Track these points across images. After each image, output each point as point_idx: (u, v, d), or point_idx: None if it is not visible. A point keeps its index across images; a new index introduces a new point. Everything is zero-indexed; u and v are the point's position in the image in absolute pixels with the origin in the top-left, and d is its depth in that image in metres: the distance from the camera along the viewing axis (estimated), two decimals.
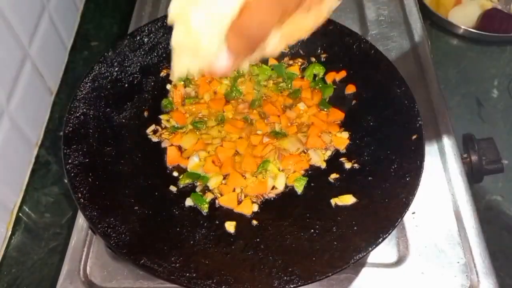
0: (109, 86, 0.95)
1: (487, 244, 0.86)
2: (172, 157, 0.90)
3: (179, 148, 0.92)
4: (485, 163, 0.98)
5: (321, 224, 0.81)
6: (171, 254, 0.75)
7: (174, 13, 0.58)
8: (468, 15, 1.37)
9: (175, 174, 0.89)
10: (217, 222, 0.82)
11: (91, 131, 0.89)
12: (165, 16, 1.04)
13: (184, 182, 0.87)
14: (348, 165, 0.89)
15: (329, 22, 1.04)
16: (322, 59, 1.03)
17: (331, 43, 1.04)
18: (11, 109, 0.98)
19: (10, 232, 0.98)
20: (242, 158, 0.89)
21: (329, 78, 1.02)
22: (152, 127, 0.95)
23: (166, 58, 1.03)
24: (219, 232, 0.81)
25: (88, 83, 0.93)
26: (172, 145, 0.92)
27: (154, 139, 0.93)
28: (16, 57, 1.01)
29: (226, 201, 0.85)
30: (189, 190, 0.87)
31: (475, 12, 1.37)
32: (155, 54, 1.03)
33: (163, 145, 0.92)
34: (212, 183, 0.87)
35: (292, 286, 0.71)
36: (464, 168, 0.96)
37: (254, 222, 0.83)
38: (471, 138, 1.02)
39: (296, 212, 0.84)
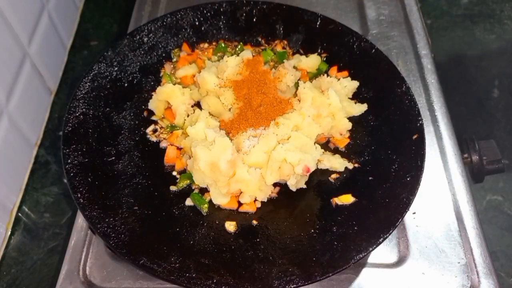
0: (108, 86, 0.95)
1: (488, 244, 0.86)
2: (169, 157, 0.90)
3: (179, 148, 0.91)
4: (485, 163, 0.98)
5: (321, 224, 0.81)
6: (170, 254, 0.75)
7: None
8: None
9: (175, 173, 0.89)
10: (217, 222, 0.82)
11: (90, 130, 0.88)
12: (165, 16, 1.04)
13: (182, 184, 0.87)
14: (348, 165, 0.89)
15: (330, 21, 1.04)
16: (323, 59, 1.03)
17: (331, 43, 1.03)
18: (11, 108, 0.98)
19: (9, 232, 0.98)
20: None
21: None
22: (152, 126, 0.94)
23: (166, 57, 1.03)
24: (219, 232, 0.81)
25: (88, 83, 0.93)
26: (172, 144, 0.92)
27: (153, 138, 0.93)
28: (16, 57, 1.01)
29: (227, 204, 0.85)
30: (189, 190, 0.87)
31: None
32: (155, 53, 1.02)
33: (162, 145, 0.92)
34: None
35: (292, 286, 0.71)
36: (465, 168, 0.96)
37: (254, 222, 0.82)
38: (471, 138, 1.01)
39: (296, 212, 0.83)
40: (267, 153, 0.84)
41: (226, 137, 0.84)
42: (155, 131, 0.94)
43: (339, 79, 0.97)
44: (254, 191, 0.83)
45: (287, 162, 0.82)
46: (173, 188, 0.86)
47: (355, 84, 0.97)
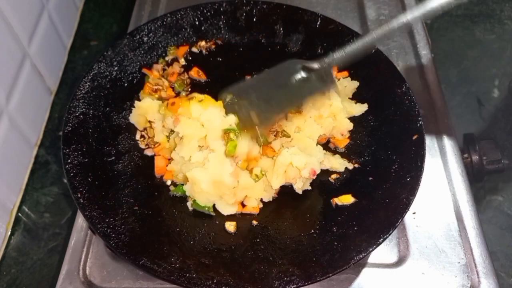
0: (108, 86, 0.95)
1: (488, 244, 0.86)
2: (159, 167, 0.87)
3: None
4: (485, 163, 0.98)
5: (321, 224, 0.81)
6: (170, 254, 0.75)
7: None
8: None
9: (169, 183, 0.87)
10: (217, 222, 0.82)
11: (90, 130, 0.88)
12: (165, 15, 1.04)
13: (177, 191, 0.85)
14: (348, 165, 0.89)
15: (330, 21, 1.04)
16: None
17: (331, 43, 1.03)
18: (11, 109, 0.98)
19: (9, 232, 0.98)
20: None
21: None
22: (139, 133, 0.92)
23: (165, 57, 1.03)
24: (219, 232, 0.81)
25: (88, 83, 0.92)
26: (159, 155, 0.89)
27: (143, 145, 0.91)
28: (16, 57, 1.01)
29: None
30: None
31: None
32: (155, 53, 1.02)
33: (147, 153, 0.90)
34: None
35: (292, 287, 0.71)
36: (465, 168, 0.96)
37: (254, 222, 0.82)
38: (471, 138, 1.01)
39: (296, 212, 0.83)
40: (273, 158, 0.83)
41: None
42: (143, 137, 0.92)
43: (339, 79, 0.97)
44: (260, 193, 0.83)
45: (294, 166, 0.82)
46: (173, 188, 0.86)
47: (355, 84, 0.97)
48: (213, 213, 0.83)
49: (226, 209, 0.82)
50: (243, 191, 0.82)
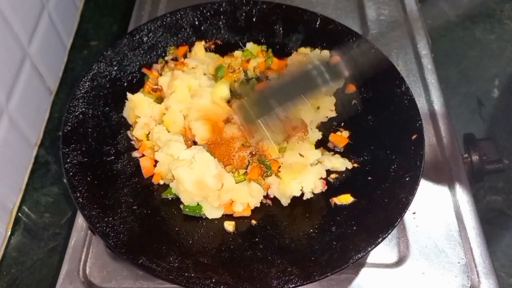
0: (108, 85, 0.95)
1: (488, 244, 0.86)
2: (147, 168, 0.87)
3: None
4: (485, 163, 0.98)
5: (320, 224, 0.81)
6: (169, 253, 0.75)
7: None
8: None
9: (162, 182, 0.87)
10: (216, 222, 0.82)
11: (90, 130, 0.88)
12: (165, 15, 1.04)
13: (168, 194, 0.85)
14: (348, 165, 0.89)
15: (329, 21, 1.04)
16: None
17: (331, 43, 1.03)
18: (11, 108, 0.98)
19: (9, 232, 0.98)
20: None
21: None
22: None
23: (165, 57, 1.03)
24: (218, 231, 0.81)
25: (87, 82, 0.93)
26: (143, 155, 0.89)
27: (137, 145, 0.91)
28: (16, 57, 1.01)
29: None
30: None
31: None
32: (154, 53, 1.02)
33: (134, 154, 0.90)
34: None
35: (291, 286, 0.71)
36: (465, 168, 0.96)
37: (253, 222, 0.82)
38: (471, 138, 1.01)
39: (295, 212, 0.83)
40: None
41: (205, 151, 0.83)
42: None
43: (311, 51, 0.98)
44: (246, 198, 0.82)
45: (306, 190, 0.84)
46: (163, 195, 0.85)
47: (327, 53, 0.97)
48: (204, 215, 0.82)
49: (212, 212, 0.82)
50: (227, 194, 0.81)
